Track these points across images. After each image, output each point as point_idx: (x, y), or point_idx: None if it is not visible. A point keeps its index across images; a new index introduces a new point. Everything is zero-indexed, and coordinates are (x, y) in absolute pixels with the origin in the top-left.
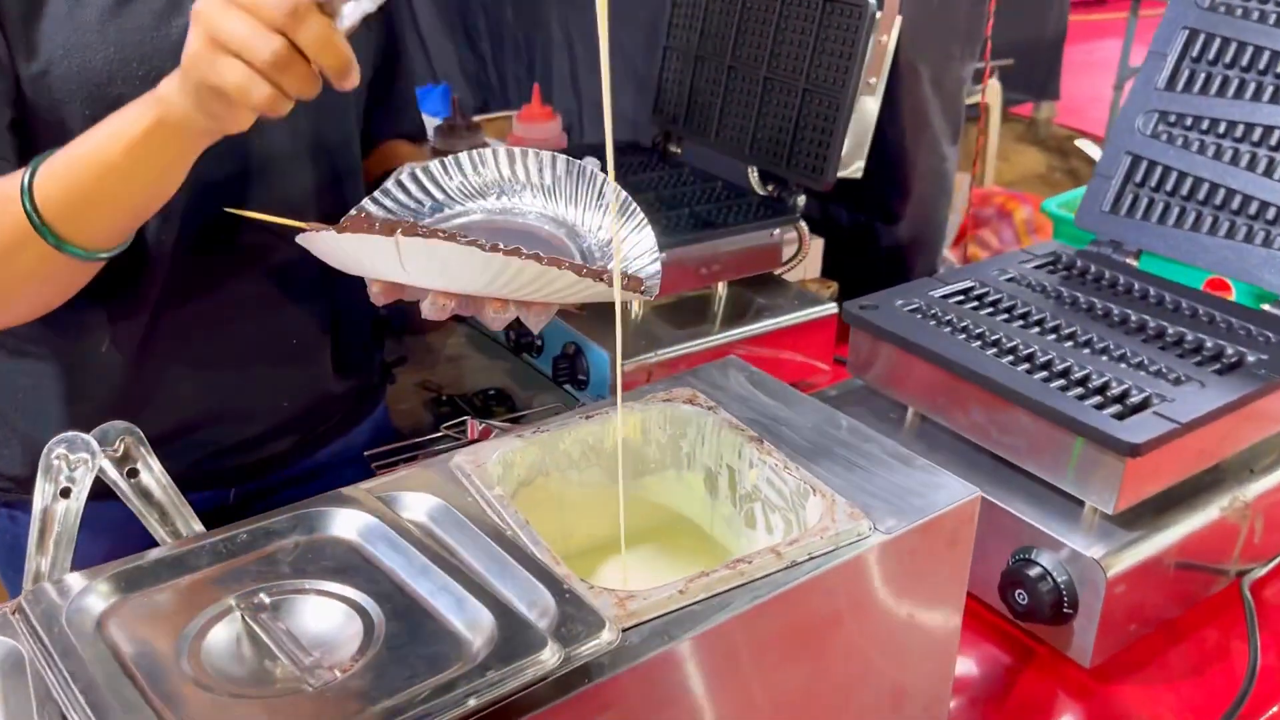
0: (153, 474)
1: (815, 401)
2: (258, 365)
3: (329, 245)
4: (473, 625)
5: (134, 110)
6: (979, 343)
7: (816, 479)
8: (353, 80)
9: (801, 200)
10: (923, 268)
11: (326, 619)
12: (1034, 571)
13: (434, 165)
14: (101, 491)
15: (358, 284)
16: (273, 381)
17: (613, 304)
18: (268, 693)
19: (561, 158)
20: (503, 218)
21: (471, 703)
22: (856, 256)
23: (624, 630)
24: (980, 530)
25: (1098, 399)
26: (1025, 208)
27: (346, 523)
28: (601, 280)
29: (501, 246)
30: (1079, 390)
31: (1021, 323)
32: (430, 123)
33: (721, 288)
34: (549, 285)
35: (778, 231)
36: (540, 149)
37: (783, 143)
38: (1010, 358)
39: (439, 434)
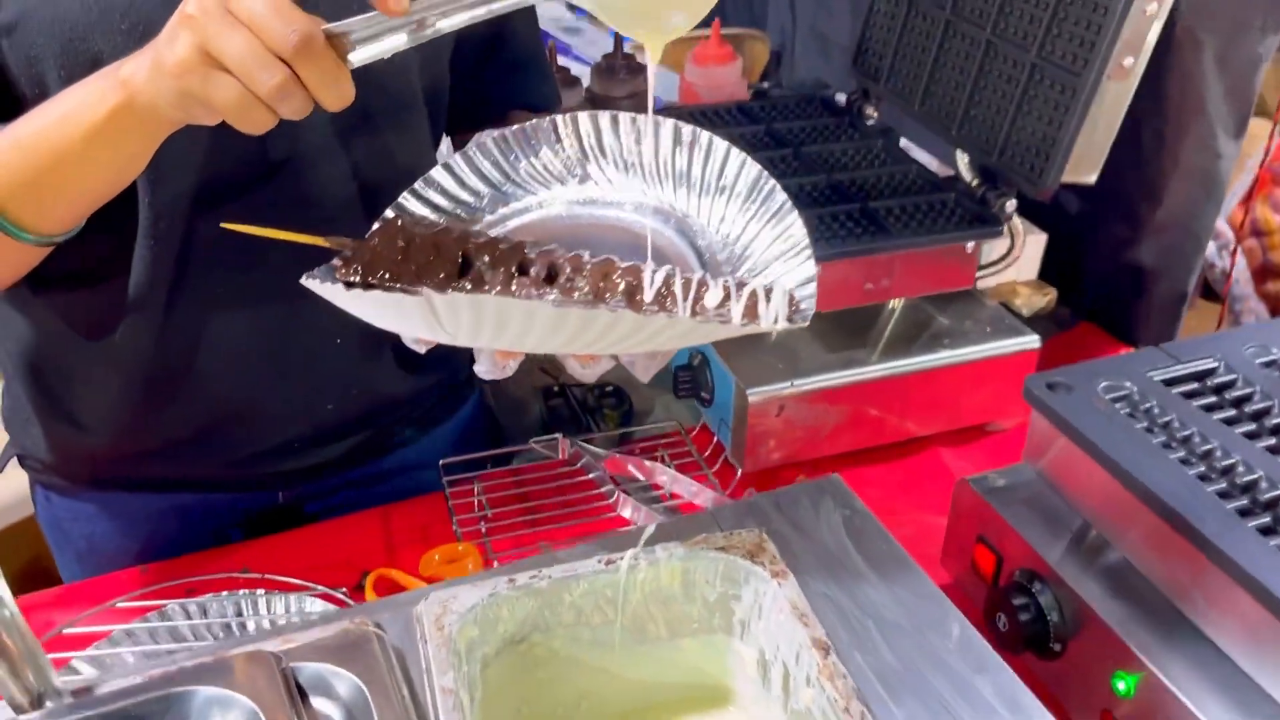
0: (3, 610)
1: (927, 582)
2: (290, 364)
3: (338, 297)
4: None
5: (92, 91)
6: (1203, 466)
7: None
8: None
9: (1010, 205)
10: (1169, 289)
11: None
12: None
13: (491, 141)
14: (124, 482)
15: None
16: (311, 382)
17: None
18: None
19: (669, 124)
20: (588, 210)
21: None
22: (1086, 260)
23: None
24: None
25: None
26: None
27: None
28: (725, 315)
29: (577, 280)
30: None
31: (1274, 440)
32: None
33: (895, 300)
34: (656, 336)
35: (973, 245)
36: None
37: (998, 126)
38: (1244, 500)
39: (525, 447)
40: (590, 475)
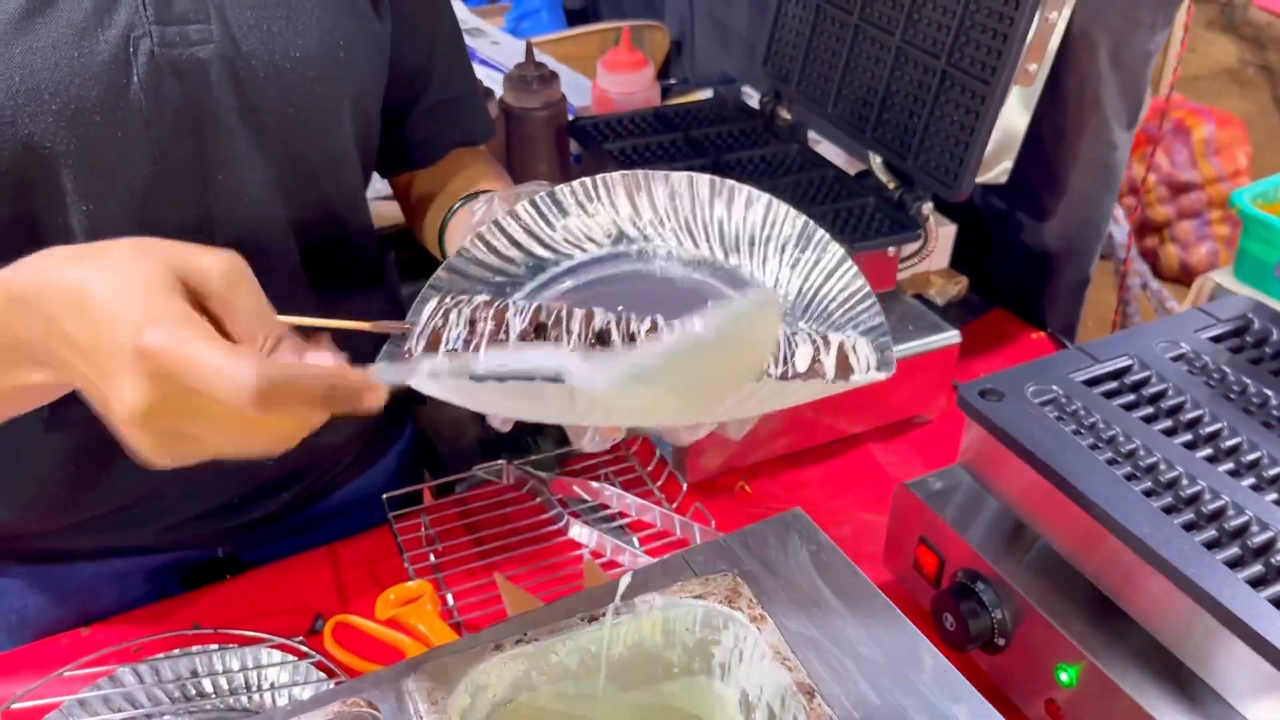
0: None
1: (895, 614)
2: None
3: (436, 388)
4: None
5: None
6: (1129, 466)
7: None
8: None
9: (927, 208)
10: (1073, 274)
11: None
12: None
13: (524, 209)
14: (55, 555)
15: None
16: None
17: None
18: None
19: (704, 179)
20: (630, 267)
21: None
22: (995, 248)
23: None
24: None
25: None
26: (1207, 125)
27: None
28: (815, 372)
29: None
30: (1259, 567)
31: (1189, 436)
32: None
33: None
34: (753, 398)
35: (893, 250)
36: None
37: (912, 130)
38: (1169, 498)
39: (468, 474)
40: (537, 499)
